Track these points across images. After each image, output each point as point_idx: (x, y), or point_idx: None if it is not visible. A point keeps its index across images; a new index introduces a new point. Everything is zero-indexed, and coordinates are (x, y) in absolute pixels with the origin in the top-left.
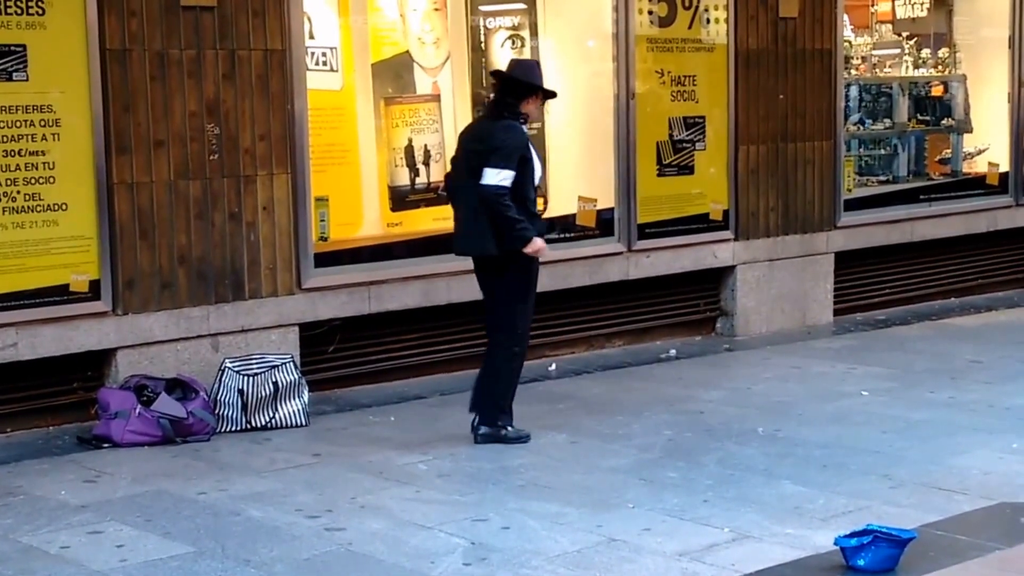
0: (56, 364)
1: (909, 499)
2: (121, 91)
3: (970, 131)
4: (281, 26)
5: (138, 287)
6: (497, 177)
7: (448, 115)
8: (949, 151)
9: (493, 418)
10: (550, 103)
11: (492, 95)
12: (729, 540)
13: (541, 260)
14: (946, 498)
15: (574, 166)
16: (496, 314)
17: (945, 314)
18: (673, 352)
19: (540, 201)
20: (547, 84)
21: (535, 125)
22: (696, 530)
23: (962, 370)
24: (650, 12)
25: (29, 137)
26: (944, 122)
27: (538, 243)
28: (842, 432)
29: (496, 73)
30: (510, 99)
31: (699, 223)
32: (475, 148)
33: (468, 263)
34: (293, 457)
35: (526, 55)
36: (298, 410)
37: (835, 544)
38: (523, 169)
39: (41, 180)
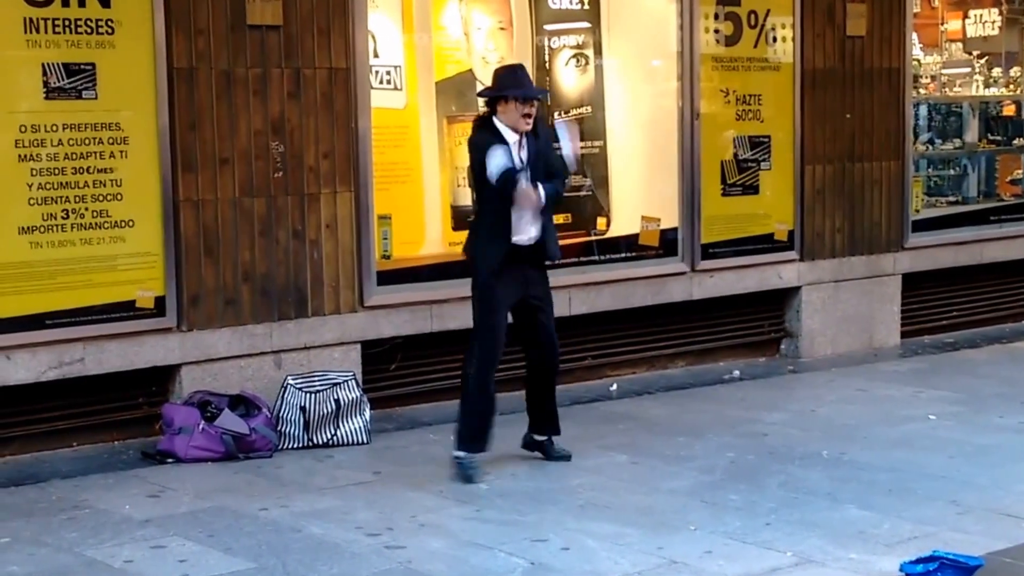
0: (121, 379)
1: (977, 525)
2: (187, 109)
3: None
4: (346, 45)
5: (202, 304)
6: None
7: None
8: (1020, 171)
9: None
10: (609, 120)
11: None
12: (792, 564)
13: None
14: (1015, 525)
15: (637, 185)
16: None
17: (1016, 337)
18: (736, 373)
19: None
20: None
21: (596, 143)
22: (758, 554)
23: None
24: (715, 31)
25: (97, 155)
26: (1016, 142)
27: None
28: (908, 456)
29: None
30: (488, 110)
31: (764, 243)
32: None
33: None
34: (354, 475)
35: (590, 74)
36: (359, 428)
37: (900, 570)
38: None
39: (109, 197)
